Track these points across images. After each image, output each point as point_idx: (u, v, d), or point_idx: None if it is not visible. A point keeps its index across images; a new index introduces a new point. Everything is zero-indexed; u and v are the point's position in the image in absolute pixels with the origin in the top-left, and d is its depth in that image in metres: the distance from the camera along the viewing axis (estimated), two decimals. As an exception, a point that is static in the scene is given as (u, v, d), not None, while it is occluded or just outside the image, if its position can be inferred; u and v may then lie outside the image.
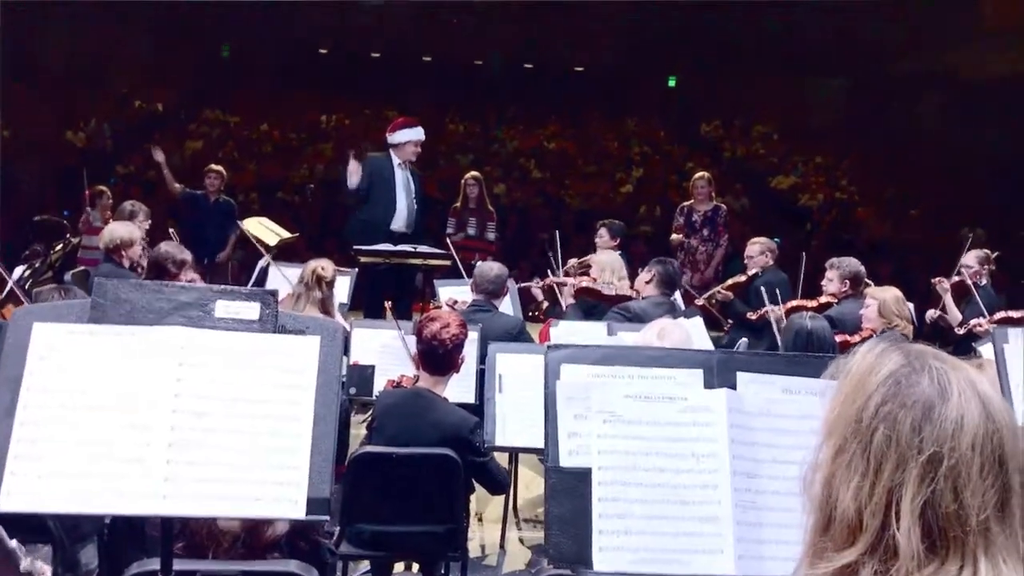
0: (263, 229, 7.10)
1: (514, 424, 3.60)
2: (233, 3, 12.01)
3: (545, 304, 6.42)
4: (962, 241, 6.64)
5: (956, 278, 6.26)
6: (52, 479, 1.73)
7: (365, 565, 3.84)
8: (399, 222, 7.29)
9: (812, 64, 12.79)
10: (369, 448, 3.43)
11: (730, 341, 6.04)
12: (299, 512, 1.75)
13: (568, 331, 4.64)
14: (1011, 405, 2.07)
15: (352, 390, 4.23)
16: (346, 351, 4.31)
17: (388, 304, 4.64)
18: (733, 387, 1.81)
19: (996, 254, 6.50)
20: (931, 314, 6.16)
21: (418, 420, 3.39)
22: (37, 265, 5.95)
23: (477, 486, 3.68)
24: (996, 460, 1.08)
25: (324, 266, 4.95)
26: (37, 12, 9.85)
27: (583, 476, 1.73)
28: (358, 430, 4.78)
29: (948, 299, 6.12)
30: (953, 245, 7.10)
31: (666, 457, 1.75)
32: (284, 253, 6.97)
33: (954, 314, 6.09)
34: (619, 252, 6.71)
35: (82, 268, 6.13)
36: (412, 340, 3.80)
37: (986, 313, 5.76)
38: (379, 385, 4.05)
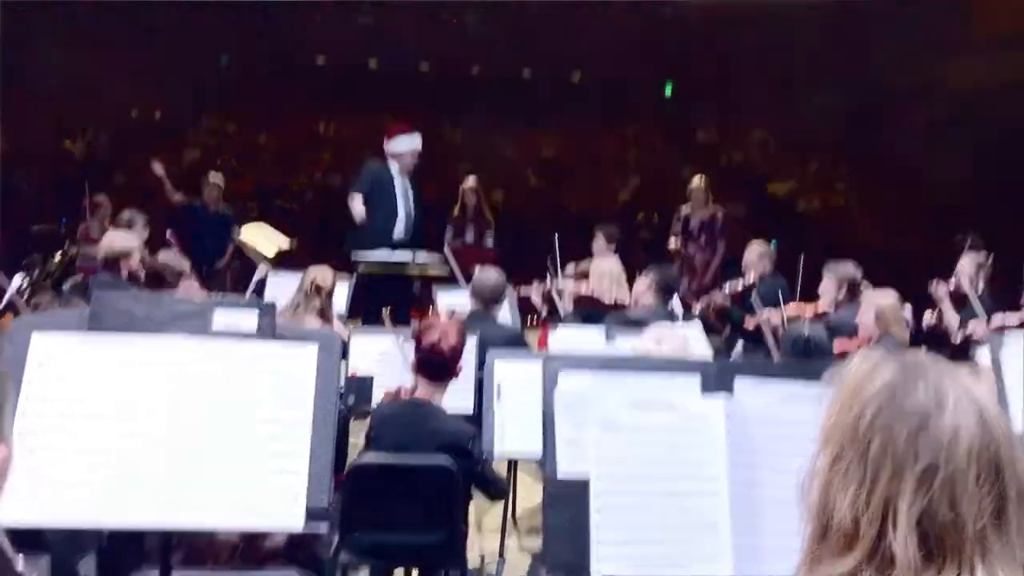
0: (261, 237, 7.10)
1: (513, 432, 3.60)
2: (230, 13, 12.03)
3: (544, 312, 6.42)
4: (958, 246, 6.65)
5: (952, 282, 6.27)
6: (51, 490, 1.73)
7: (364, 573, 3.83)
8: (399, 230, 7.30)
9: (808, 71, 12.81)
10: (368, 457, 3.43)
11: (729, 347, 6.04)
12: (298, 522, 1.75)
13: (567, 336, 4.65)
14: (1008, 411, 2.08)
15: (351, 400, 4.22)
16: (344, 359, 4.32)
17: (385, 312, 4.64)
18: (731, 394, 1.82)
19: (991, 258, 6.51)
20: (928, 318, 6.17)
21: (416, 430, 3.39)
22: (36, 275, 5.95)
23: (476, 494, 3.67)
24: (992, 469, 1.09)
25: (323, 275, 4.95)
26: (35, 21, 9.87)
27: (581, 485, 1.73)
28: (357, 438, 4.78)
29: (946, 304, 6.13)
30: (949, 250, 7.11)
31: (664, 465, 1.76)
32: (282, 260, 6.98)
33: (951, 319, 6.09)
34: (616, 257, 6.72)
35: (81, 278, 6.13)
36: (410, 346, 3.80)
37: (983, 316, 5.77)
38: (377, 396, 4.05)
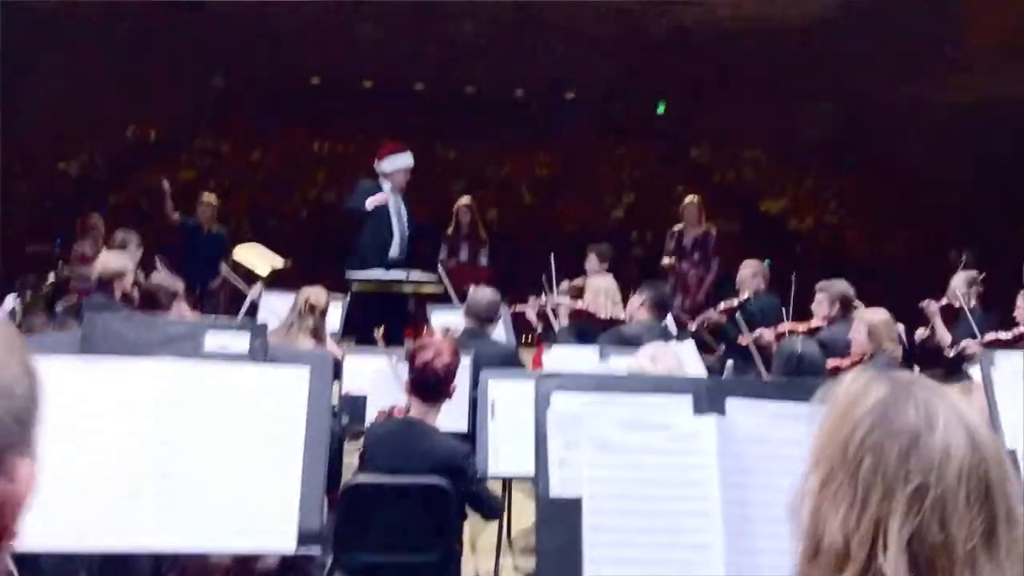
0: (255, 256, 7.10)
1: (507, 451, 3.59)
2: (225, 33, 12.06)
3: (539, 329, 6.43)
4: (952, 263, 6.68)
5: (945, 301, 6.30)
6: (43, 514, 1.72)
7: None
8: (394, 249, 7.31)
9: (800, 88, 12.87)
10: (361, 477, 3.42)
11: (722, 365, 6.05)
12: (290, 545, 1.74)
13: (561, 356, 4.65)
14: (999, 429, 2.08)
15: (345, 420, 4.22)
16: (337, 378, 4.31)
17: (378, 332, 4.64)
18: (723, 413, 1.82)
19: (983, 275, 6.53)
20: (920, 333, 6.18)
21: (410, 449, 3.38)
22: (29, 296, 5.94)
23: (470, 514, 3.66)
24: (982, 490, 1.09)
25: (317, 294, 4.95)
26: (31, 42, 9.88)
27: (574, 505, 1.73)
28: (351, 458, 4.77)
29: (938, 321, 6.15)
30: (942, 267, 7.13)
31: (657, 485, 1.75)
32: (276, 280, 6.98)
33: (944, 336, 6.11)
34: (611, 275, 6.74)
35: (75, 299, 6.12)
36: (403, 366, 3.80)
37: (978, 334, 5.78)
38: (371, 415, 4.04)
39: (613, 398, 1.87)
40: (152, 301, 4.84)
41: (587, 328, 5.73)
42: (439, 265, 7.56)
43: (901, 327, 5.41)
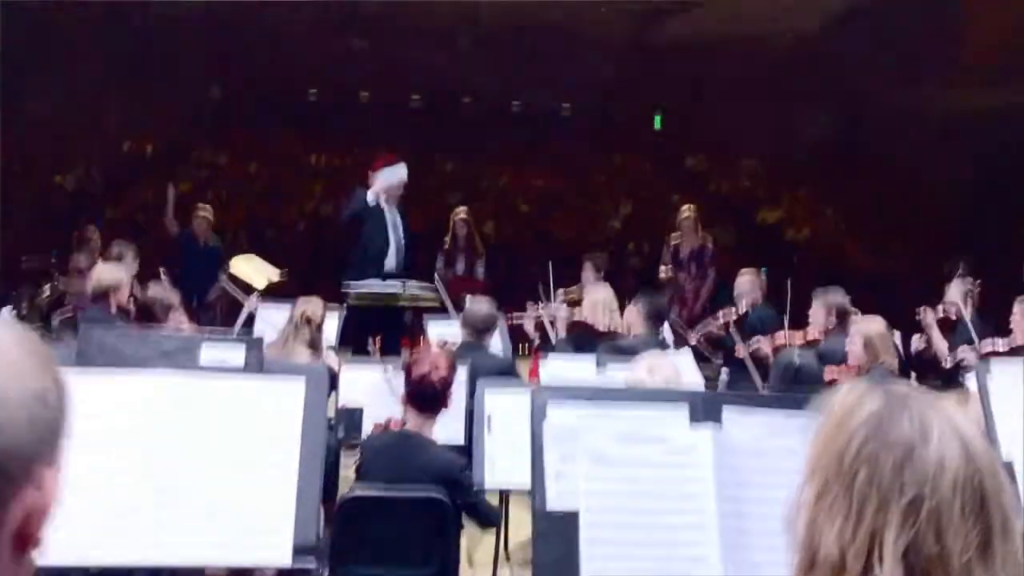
0: (251, 269, 7.10)
1: (504, 464, 3.58)
2: (222, 46, 12.09)
3: (536, 340, 6.42)
4: (949, 272, 6.68)
5: (940, 309, 6.30)
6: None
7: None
8: (391, 260, 7.32)
9: (796, 98, 12.91)
10: (358, 491, 3.41)
11: (725, 378, 6.05)
12: (285, 558, 1.74)
13: (558, 366, 4.64)
14: (995, 440, 2.08)
15: (341, 433, 4.21)
16: (334, 390, 4.31)
17: (372, 342, 4.63)
18: (719, 425, 1.81)
19: (979, 283, 6.54)
20: (916, 343, 6.18)
21: (406, 463, 3.38)
22: (24, 309, 5.93)
23: (467, 526, 3.65)
24: (977, 501, 1.09)
25: (313, 306, 4.95)
26: (28, 56, 9.90)
27: (570, 518, 1.72)
28: (347, 471, 4.75)
29: (934, 331, 6.15)
30: (939, 276, 7.13)
31: (653, 497, 1.75)
32: (273, 291, 6.97)
33: (940, 346, 6.11)
34: (607, 285, 6.74)
35: (70, 312, 6.11)
36: (399, 378, 3.79)
37: (976, 340, 5.79)
38: (367, 427, 4.03)
39: (609, 410, 1.86)
40: (148, 313, 4.84)
41: (585, 340, 5.73)
42: (436, 276, 7.56)
43: (898, 336, 5.41)
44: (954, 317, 6.29)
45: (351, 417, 4.20)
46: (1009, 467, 2.04)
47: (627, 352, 4.86)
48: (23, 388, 0.86)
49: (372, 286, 6.94)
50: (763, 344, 5.73)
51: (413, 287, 6.95)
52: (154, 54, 11.62)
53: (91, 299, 5.42)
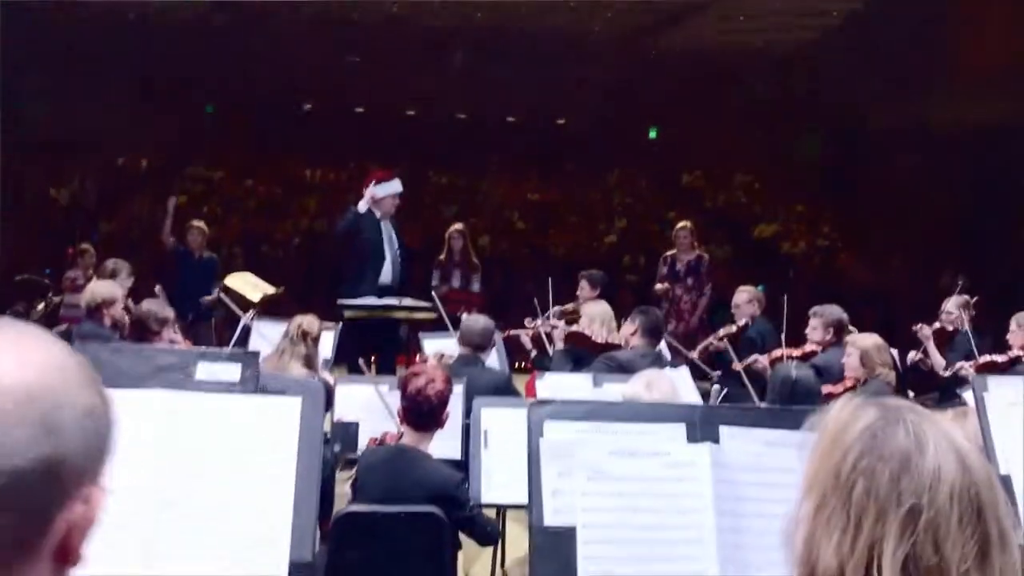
0: (246, 285, 7.09)
1: (500, 480, 3.57)
2: (217, 61, 12.12)
3: (533, 353, 6.42)
4: (946, 286, 6.70)
5: (938, 324, 6.32)
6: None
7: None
8: (386, 275, 7.31)
9: (792, 114, 12.97)
10: (353, 507, 3.39)
11: (717, 391, 6.04)
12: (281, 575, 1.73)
13: (554, 383, 4.64)
14: (992, 454, 2.08)
15: (336, 447, 4.19)
16: (330, 406, 4.29)
17: (362, 361, 4.61)
18: (716, 441, 1.81)
19: (976, 299, 6.56)
20: (912, 356, 6.19)
21: (402, 478, 3.36)
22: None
23: (464, 543, 3.64)
24: (974, 511, 1.09)
25: (310, 321, 4.93)
26: (24, 70, 9.91)
27: (568, 534, 1.72)
28: (343, 488, 4.74)
29: (931, 346, 6.16)
30: (935, 291, 7.14)
31: (651, 513, 1.75)
32: (268, 308, 6.96)
33: (937, 360, 6.12)
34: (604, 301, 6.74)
35: (64, 327, 6.09)
36: (395, 395, 3.79)
37: (976, 354, 5.80)
38: (363, 442, 4.02)
39: (606, 426, 1.86)
40: (142, 328, 4.83)
41: (582, 353, 5.72)
42: (432, 291, 7.56)
43: (895, 352, 5.41)
44: (950, 328, 6.31)
45: (347, 432, 4.18)
46: (1007, 481, 2.04)
47: (624, 365, 4.87)
48: (77, 401, 0.87)
49: (368, 302, 6.93)
50: (760, 359, 5.74)
51: (409, 302, 6.94)
52: (150, 69, 11.65)
53: (85, 314, 5.42)
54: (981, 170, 10.11)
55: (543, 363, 5.92)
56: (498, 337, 5.55)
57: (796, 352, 5.68)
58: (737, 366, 5.82)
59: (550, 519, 1.76)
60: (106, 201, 13.17)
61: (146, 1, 11.32)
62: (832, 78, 12.15)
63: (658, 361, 5.11)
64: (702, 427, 1.83)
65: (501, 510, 4.29)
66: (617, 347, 5.46)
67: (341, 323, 6.33)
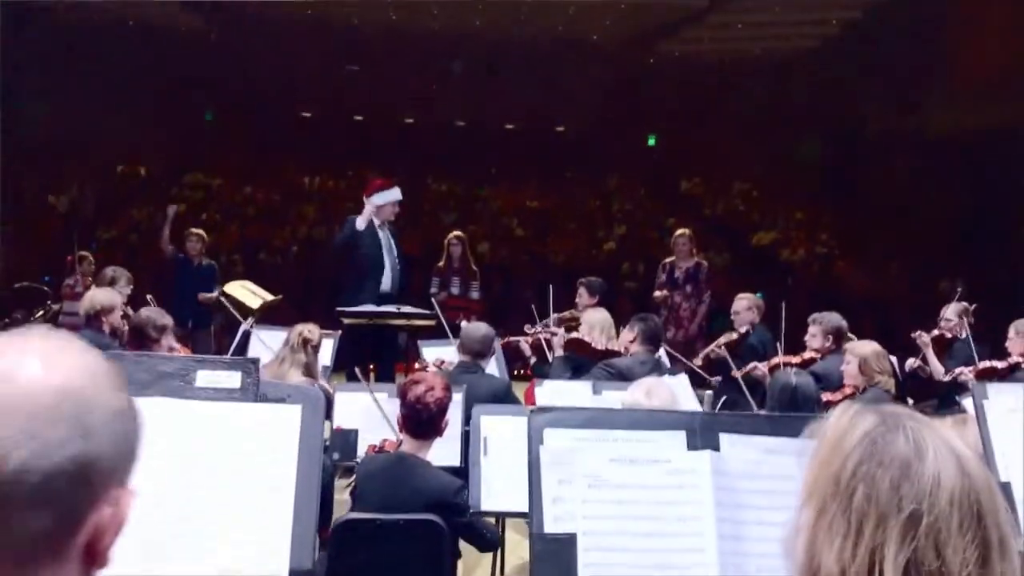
0: (246, 292, 7.09)
1: (500, 488, 3.56)
2: (217, 68, 12.13)
3: (533, 360, 6.42)
4: (944, 293, 6.70)
5: (936, 332, 6.32)
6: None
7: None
8: (386, 283, 7.31)
9: (790, 121, 12.99)
10: (353, 515, 3.39)
11: (717, 398, 6.04)
12: (281, 584, 1.72)
13: (553, 391, 4.63)
14: (992, 462, 2.08)
15: (335, 455, 4.19)
16: (329, 415, 4.28)
17: (358, 369, 4.60)
18: (716, 449, 1.81)
19: (975, 307, 6.56)
20: (911, 362, 6.20)
21: (401, 486, 3.36)
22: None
23: (463, 551, 3.63)
24: (974, 516, 1.09)
25: (311, 329, 4.93)
26: (23, 77, 9.92)
27: (568, 542, 1.72)
28: (342, 495, 4.73)
29: (930, 353, 6.16)
30: (934, 298, 7.14)
31: (652, 521, 1.74)
32: (267, 316, 6.95)
33: (936, 367, 6.12)
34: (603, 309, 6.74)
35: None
36: (394, 402, 3.78)
37: (976, 359, 5.80)
38: (362, 449, 4.01)
39: (607, 434, 1.86)
40: (140, 335, 4.82)
41: (582, 360, 5.72)
42: (431, 298, 7.55)
43: (893, 359, 5.41)
44: (949, 336, 6.31)
45: (346, 439, 4.18)
46: (1007, 488, 2.04)
47: (623, 372, 4.87)
48: (107, 404, 0.89)
49: (367, 309, 6.92)
50: (760, 367, 5.74)
51: (408, 310, 6.94)
52: (149, 76, 11.66)
53: (84, 321, 5.41)
54: (979, 176, 10.13)
55: (542, 370, 5.92)
56: (497, 344, 5.55)
57: (795, 359, 5.68)
58: (736, 373, 5.82)
59: (551, 526, 1.75)
60: (105, 208, 13.18)
61: (146, 8, 11.34)
62: (830, 86, 12.17)
63: (657, 368, 5.10)
64: (702, 434, 1.83)
65: (500, 519, 4.29)
66: (616, 354, 5.46)
67: (340, 331, 6.33)
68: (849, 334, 5.85)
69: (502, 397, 4.67)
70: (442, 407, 3.49)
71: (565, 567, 1.70)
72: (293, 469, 1.76)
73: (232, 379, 1.83)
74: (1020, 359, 5.68)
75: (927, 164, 11.19)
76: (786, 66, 12.55)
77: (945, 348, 6.32)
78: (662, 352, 5.61)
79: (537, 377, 5.39)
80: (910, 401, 5.67)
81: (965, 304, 6.53)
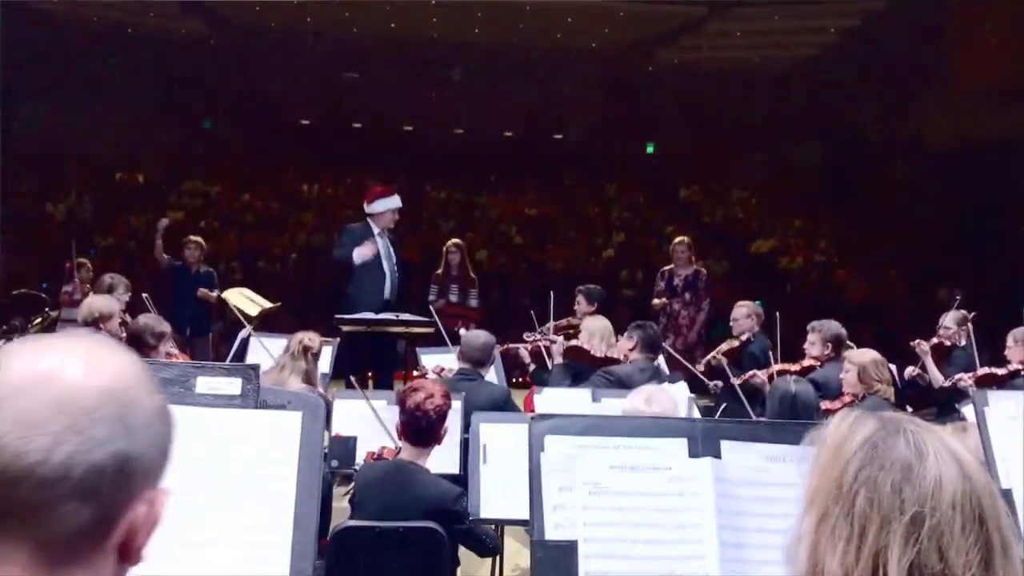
0: (244, 300, 7.08)
1: (499, 495, 3.55)
2: (215, 76, 12.15)
3: (532, 367, 6.41)
4: (943, 301, 6.70)
5: (935, 340, 6.32)
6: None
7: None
8: (385, 290, 7.30)
9: (789, 130, 13.02)
10: (352, 522, 3.38)
11: (717, 406, 6.03)
12: (281, 591, 1.71)
13: (552, 398, 4.63)
14: (993, 468, 2.08)
15: (334, 462, 4.17)
16: (328, 423, 4.27)
17: (355, 378, 4.60)
18: (717, 456, 1.81)
19: (973, 315, 6.56)
20: (910, 370, 6.19)
21: (400, 494, 3.35)
22: (16, 339, 5.88)
23: (463, 559, 3.62)
24: (976, 518, 1.10)
25: (311, 337, 4.92)
26: (22, 86, 9.93)
27: (569, 549, 1.71)
28: (340, 503, 4.72)
29: (929, 361, 6.16)
30: (932, 306, 7.14)
31: (652, 528, 1.74)
32: (266, 323, 6.95)
33: (935, 375, 6.12)
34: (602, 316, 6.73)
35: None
36: (393, 410, 3.77)
37: (977, 364, 5.80)
38: (361, 457, 4.00)
39: (607, 441, 1.85)
40: (139, 342, 4.81)
41: (581, 368, 5.71)
42: (430, 306, 7.54)
43: (892, 367, 5.41)
44: (948, 344, 6.31)
45: (345, 446, 4.16)
46: (1008, 495, 2.04)
47: (622, 379, 4.86)
48: (147, 403, 0.92)
49: (365, 317, 6.91)
50: (759, 375, 5.74)
51: (407, 317, 6.92)
52: (149, 85, 11.68)
53: (82, 328, 5.40)
54: (978, 184, 10.16)
55: (541, 377, 5.91)
56: (496, 351, 5.54)
57: (794, 367, 5.67)
58: (734, 381, 5.81)
59: (551, 533, 1.75)
60: (103, 215, 13.18)
61: (144, 17, 11.36)
62: (829, 94, 12.20)
63: (656, 375, 5.10)
64: (703, 442, 1.82)
65: (500, 526, 4.28)
66: (616, 361, 5.45)
67: (339, 338, 6.32)
68: (848, 342, 5.85)
69: (501, 405, 4.66)
70: (441, 414, 3.48)
71: (566, 574, 1.70)
72: (293, 475, 1.75)
73: (232, 385, 1.82)
74: (1020, 366, 5.68)
75: (926, 172, 11.21)
76: (785, 74, 12.59)
77: (944, 356, 6.32)
78: (661, 359, 5.60)
79: (536, 384, 5.38)
80: (909, 409, 5.67)
81: (964, 312, 6.53)
